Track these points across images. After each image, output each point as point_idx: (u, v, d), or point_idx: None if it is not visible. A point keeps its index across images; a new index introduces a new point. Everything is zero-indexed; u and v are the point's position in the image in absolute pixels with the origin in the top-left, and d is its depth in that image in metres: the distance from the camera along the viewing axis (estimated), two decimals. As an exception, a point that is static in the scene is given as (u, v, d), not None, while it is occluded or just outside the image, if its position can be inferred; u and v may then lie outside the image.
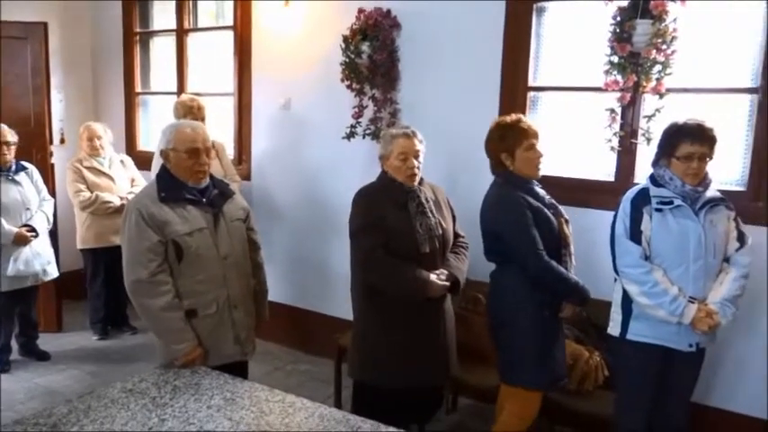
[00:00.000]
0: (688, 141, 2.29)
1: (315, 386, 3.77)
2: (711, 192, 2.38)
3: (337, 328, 3.59)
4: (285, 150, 4.30)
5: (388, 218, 2.55)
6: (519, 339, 2.51)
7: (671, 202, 2.32)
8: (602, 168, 3.25)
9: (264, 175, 4.43)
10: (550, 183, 2.86)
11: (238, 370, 2.41)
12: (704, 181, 2.35)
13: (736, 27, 2.93)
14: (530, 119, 3.35)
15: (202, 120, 3.88)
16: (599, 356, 2.88)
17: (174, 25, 4.84)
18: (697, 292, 2.32)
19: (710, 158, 2.32)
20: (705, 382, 2.92)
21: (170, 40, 4.91)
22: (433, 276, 2.56)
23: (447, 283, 2.60)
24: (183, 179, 2.37)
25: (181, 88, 4.80)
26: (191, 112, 3.91)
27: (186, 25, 4.81)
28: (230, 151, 4.50)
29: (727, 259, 2.39)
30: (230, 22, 4.45)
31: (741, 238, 2.40)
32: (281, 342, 4.33)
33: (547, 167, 3.09)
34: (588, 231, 2.93)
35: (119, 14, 5.09)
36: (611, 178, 3.18)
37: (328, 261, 4.06)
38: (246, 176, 4.45)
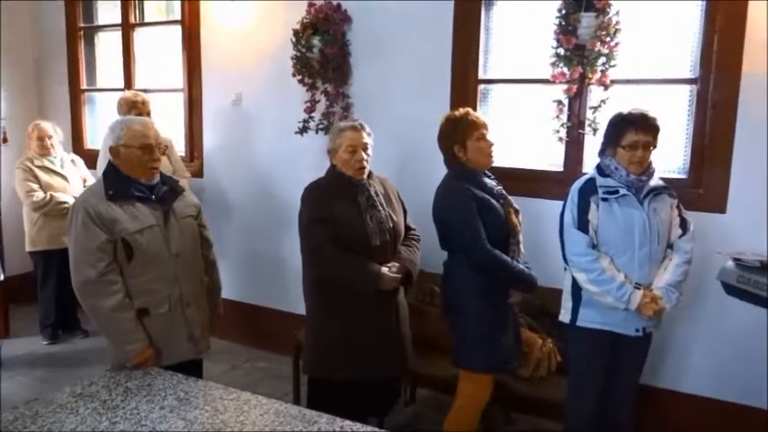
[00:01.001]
0: (633, 130, 2.35)
1: (273, 383, 3.75)
2: (655, 181, 2.45)
3: (295, 323, 3.57)
4: (237, 146, 4.25)
5: (338, 212, 2.55)
6: (468, 324, 2.56)
7: (616, 192, 2.38)
8: (551, 159, 3.32)
9: (216, 171, 4.37)
10: (501, 174, 2.91)
11: (193, 369, 2.38)
12: (648, 170, 2.41)
13: (676, 19, 3.03)
14: (481, 111, 3.45)
15: (148, 114, 3.81)
16: (552, 343, 2.95)
17: (119, 20, 4.71)
18: (642, 278, 2.39)
19: (654, 147, 2.39)
20: (653, 365, 3.03)
21: (116, 36, 4.79)
22: (384, 269, 2.57)
23: (399, 276, 2.61)
24: (135, 176, 2.32)
25: (128, 84, 4.69)
26: (135, 107, 3.83)
27: (132, 20, 4.70)
28: (181, 148, 4.43)
29: (670, 246, 2.47)
30: (179, 17, 4.37)
31: (684, 224, 2.48)
32: (238, 340, 4.29)
33: (498, 159, 3.15)
34: (539, 221, 2.99)
35: (61, 10, 4.94)
36: (560, 168, 3.25)
37: (284, 256, 4.04)
38: (198, 173, 4.39)
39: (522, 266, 2.57)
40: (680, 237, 2.46)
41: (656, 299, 2.35)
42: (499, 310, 2.57)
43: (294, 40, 3.69)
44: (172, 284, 2.34)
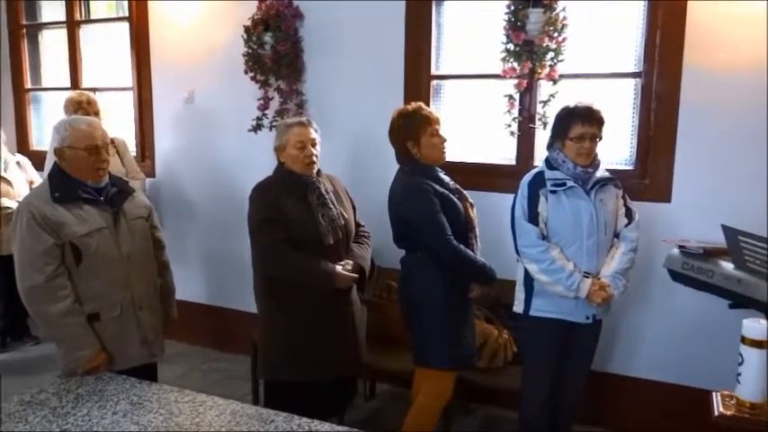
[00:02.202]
0: (579, 123, 2.42)
1: (233, 384, 3.72)
2: (601, 172, 2.52)
3: (253, 323, 3.53)
4: (191, 145, 4.18)
5: (289, 211, 2.52)
6: (430, 322, 2.56)
7: (564, 184, 2.44)
8: (504, 153, 3.37)
9: (170, 170, 4.29)
10: (455, 168, 2.95)
11: (147, 373, 2.34)
12: (594, 162, 2.48)
13: (620, 15, 3.11)
14: (434, 107, 3.47)
15: (95, 114, 3.71)
16: (507, 334, 3.01)
17: (64, 17, 4.58)
18: (591, 267, 2.45)
19: (600, 139, 2.46)
20: (604, 351, 3.12)
21: (61, 33, 4.65)
22: (338, 267, 2.55)
23: (354, 275, 2.60)
24: (82, 177, 2.25)
25: (75, 83, 4.57)
26: (81, 107, 3.72)
27: (78, 17, 4.57)
28: (132, 147, 4.33)
29: (617, 235, 2.54)
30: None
31: (629, 214, 2.55)
32: (196, 342, 4.24)
33: (452, 153, 3.18)
34: (492, 214, 3.03)
35: (2, 6, 4.77)
36: (513, 162, 3.31)
37: (241, 256, 3.95)
38: (151, 173, 4.30)
39: (484, 260, 2.59)
40: (625, 226, 2.53)
41: (605, 286, 2.42)
42: (461, 305, 2.59)
43: (245, 36, 3.65)
44: (123, 288, 2.29)
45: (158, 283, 2.51)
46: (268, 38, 3.58)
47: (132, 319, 2.33)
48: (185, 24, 4.04)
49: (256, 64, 3.66)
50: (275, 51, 3.58)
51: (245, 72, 3.70)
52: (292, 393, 2.58)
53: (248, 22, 3.65)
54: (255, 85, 3.72)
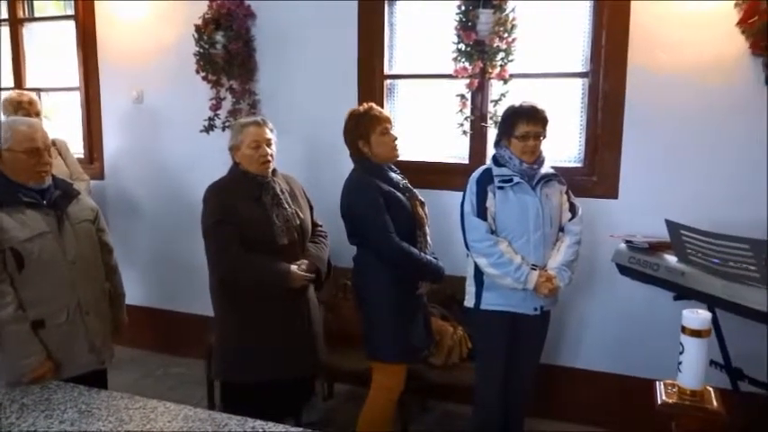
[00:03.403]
0: (524, 122, 2.48)
1: (187, 389, 3.66)
2: (546, 169, 2.59)
3: (207, 326, 3.48)
4: (141, 146, 4.10)
5: (243, 212, 2.50)
6: (378, 316, 2.60)
7: (511, 180, 2.50)
8: (457, 151, 3.41)
9: (119, 172, 4.19)
10: (409, 168, 2.96)
11: (96, 380, 2.28)
12: (539, 159, 2.55)
13: (568, 16, 3.17)
14: (388, 106, 3.49)
15: (37, 115, 3.60)
16: (462, 331, 3.04)
17: (5, 14, 4.42)
18: (538, 259, 2.52)
19: (544, 137, 2.53)
20: (554, 344, 3.19)
21: (3, 32, 4.48)
22: (293, 267, 2.55)
23: (309, 275, 2.60)
24: (22, 181, 2.18)
25: (18, 83, 4.42)
26: (21, 107, 3.59)
27: (21, 14, 4.42)
28: (80, 149, 4.22)
29: (562, 229, 2.61)
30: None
31: (573, 209, 2.63)
32: (149, 347, 4.15)
33: (406, 153, 3.20)
34: (446, 212, 3.06)
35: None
36: (466, 161, 3.34)
37: (194, 258, 3.89)
38: (99, 175, 4.20)
39: (429, 257, 2.63)
40: (569, 220, 2.61)
41: (551, 278, 2.49)
42: (408, 300, 2.62)
43: (196, 36, 3.60)
44: (69, 293, 2.23)
45: (106, 288, 2.45)
46: (219, 37, 3.54)
47: (79, 325, 2.27)
48: (134, 23, 3.95)
49: (208, 64, 3.61)
50: (227, 51, 3.54)
51: (197, 72, 3.65)
52: (250, 394, 2.57)
53: (199, 21, 3.60)
54: (207, 85, 3.66)
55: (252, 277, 2.51)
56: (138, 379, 3.81)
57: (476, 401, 2.68)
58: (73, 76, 4.24)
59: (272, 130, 2.66)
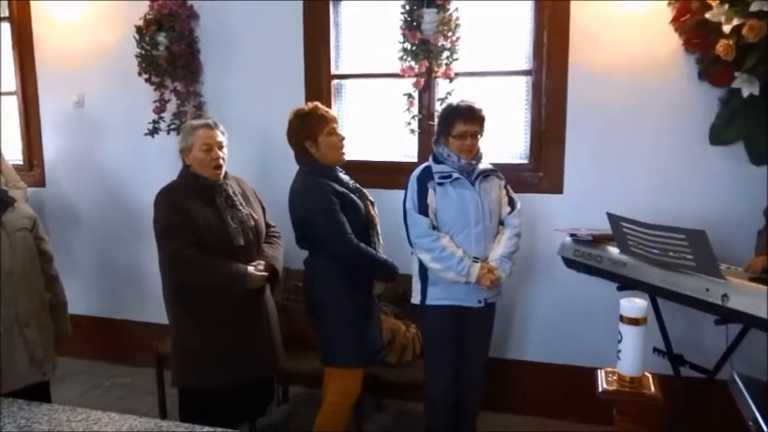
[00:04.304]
0: (461, 121, 2.53)
1: (137, 399, 3.58)
2: (484, 164, 2.64)
3: (157, 334, 3.42)
4: (83, 151, 3.98)
5: (196, 215, 2.46)
6: (334, 321, 2.57)
7: (450, 176, 2.55)
8: (406, 150, 3.43)
9: (61, 179, 4.06)
10: (357, 167, 2.97)
11: (38, 393, 2.20)
12: (477, 155, 2.60)
13: (511, 16, 3.23)
14: (335, 106, 3.49)
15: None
16: (415, 328, 3.06)
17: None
18: (479, 252, 2.57)
19: (481, 135, 2.59)
20: (501, 339, 3.25)
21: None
22: (250, 268, 2.52)
23: (266, 274, 2.58)
24: (-47, 190, 2.10)
25: (-50, 88, 4.23)
26: None
27: (-50, 16, 4.24)
28: (18, 155, 4.08)
29: (502, 222, 2.67)
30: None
31: (511, 203, 2.70)
32: (97, 358, 4.04)
33: (354, 152, 3.20)
34: (396, 211, 3.04)
35: None
36: (415, 159, 3.36)
37: (140, 265, 3.85)
38: (40, 182, 4.06)
39: (385, 257, 2.63)
40: (509, 213, 2.67)
41: (492, 270, 2.54)
42: (363, 302, 2.61)
43: (137, 37, 3.52)
44: (6, 304, 2.14)
45: (47, 298, 2.37)
46: (162, 38, 3.47)
47: (18, 338, 2.18)
48: (72, 24, 3.84)
49: (150, 65, 3.53)
50: (170, 52, 3.47)
51: (139, 74, 3.57)
52: (208, 400, 2.53)
53: (140, 22, 3.52)
54: (150, 87, 3.59)
55: (207, 280, 2.47)
56: (85, 391, 3.70)
57: (426, 397, 2.71)
58: (8, 80, 4.08)
59: (223, 133, 2.62)
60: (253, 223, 2.61)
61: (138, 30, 3.52)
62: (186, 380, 2.61)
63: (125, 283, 4.00)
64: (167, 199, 2.53)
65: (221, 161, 2.57)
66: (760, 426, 1.24)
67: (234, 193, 2.61)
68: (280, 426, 3.31)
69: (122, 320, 4.04)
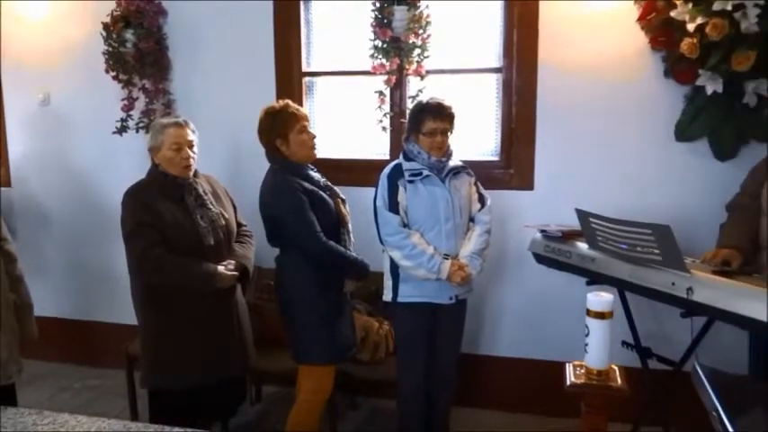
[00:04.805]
0: (430, 119, 2.53)
1: (108, 401, 3.53)
2: (454, 161, 2.66)
3: (127, 335, 3.37)
4: (49, 150, 3.90)
5: (165, 214, 2.43)
6: (305, 318, 2.57)
7: (420, 173, 2.56)
8: (378, 148, 3.43)
9: (27, 179, 3.98)
10: (329, 165, 2.97)
11: (4, 396, 2.16)
12: (447, 152, 2.61)
13: (482, 14, 3.24)
14: (307, 104, 3.48)
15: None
16: (388, 326, 3.06)
17: None
18: (450, 249, 2.58)
19: (451, 132, 2.60)
20: (473, 335, 3.27)
21: None
22: (221, 267, 2.50)
23: (236, 273, 2.56)
24: None
25: None
26: None
27: None
28: (-19, 155, 3.99)
29: (472, 219, 2.68)
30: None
31: (481, 199, 2.71)
32: (66, 360, 3.97)
33: (326, 150, 3.20)
34: (368, 209, 3.05)
35: None
36: (387, 157, 3.37)
37: (110, 265, 3.78)
38: (5, 182, 3.98)
39: (355, 255, 2.63)
40: (479, 210, 2.69)
41: (463, 267, 2.55)
42: (334, 300, 2.61)
43: (104, 34, 3.47)
44: (-32, 306, 2.11)
45: (11, 299, 2.33)
46: (129, 35, 3.42)
47: (-20, 340, 2.14)
48: (38, 21, 3.76)
49: (118, 63, 3.48)
50: (138, 49, 3.42)
51: (106, 71, 3.51)
52: (178, 401, 2.51)
53: (107, 19, 3.46)
54: (118, 85, 3.53)
55: (176, 280, 2.44)
56: (53, 394, 3.64)
57: (399, 394, 2.72)
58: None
59: (194, 132, 2.60)
60: (223, 222, 2.59)
61: (105, 26, 3.46)
62: (155, 381, 2.59)
63: (94, 284, 3.94)
64: (135, 198, 2.50)
65: (191, 160, 2.55)
66: (721, 416, 1.26)
67: (204, 191, 2.59)
68: (253, 425, 3.29)
69: (92, 322, 3.97)
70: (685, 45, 2.71)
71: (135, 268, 2.51)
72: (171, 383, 2.54)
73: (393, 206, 2.55)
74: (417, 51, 3.11)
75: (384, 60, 3.13)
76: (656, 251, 2.30)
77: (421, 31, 3.08)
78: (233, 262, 2.59)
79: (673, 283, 2.26)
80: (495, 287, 3.31)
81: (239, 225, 2.77)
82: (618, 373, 1.66)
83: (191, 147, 2.56)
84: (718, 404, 1.29)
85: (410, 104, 3.17)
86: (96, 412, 1.91)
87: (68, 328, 3.96)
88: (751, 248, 2.42)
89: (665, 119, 2.98)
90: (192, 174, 2.57)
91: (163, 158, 2.53)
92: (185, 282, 2.46)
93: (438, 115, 2.53)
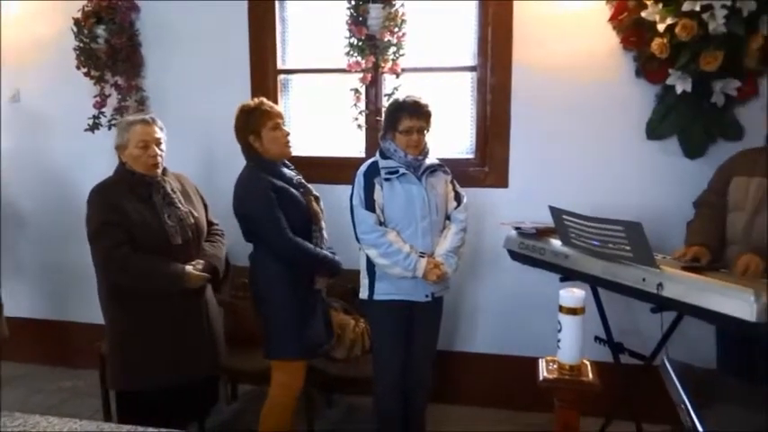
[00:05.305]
0: (407, 117, 2.54)
1: (81, 402, 3.48)
2: (430, 159, 2.67)
3: (100, 335, 3.31)
4: (20, 148, 3.83)
5: (131, 213, 2.41)
6: (276, 313, 2.57)
7: (397, 171, 2.56)
8: (355, 145, 3.43)
9: (-3, 177, 3.91)
10: (305, 163, 2.96)
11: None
12: (423, 150, 2.62)
13: (457, 12, 3.26)
14: (282, 101, 3.46)
15: None
16: (364, 323, 3.06)
17: None
18: (426, 247, 2.59)
19: (428, 131, 2.60)
20: (450, 331, 3.29)
21: None
22: (189, 267, 2.49)
23: (205, 275, 2.54)
24: None
25: None
26: None
27: None
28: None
29: (448, 217, 2.70)
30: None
31: (457, 197, 2.73)
32: (39, 361, 3.91)
33: (301, 148, 3.19)
34: (343, 207, 3.06)
35: None
36: (363, 154, 3.37)
37: (83, 265, 3.64)
38: (-25, 181, 3.90)
39: (325, 252, 2.63)
40: (455, 208, 2.70)
41: (439, 265, 2.56)
42: (305, 297, 2.61)
43: (75, 29, 3.42)
44: (-64, 308, 2.06)
45: (-20, 300, 2.29)
46: (101, 31, 3.38)
47: (-52, 342, 2.10)
48: (6, 17, 3.68)
49: (89, 59, 3.44)
50: (110, 45, 3.39)
51: (78, 68, 3.47)
52: (147, 402, 2.48)
53: (78, 15, 3.42)
54: (90, 82, 3.49)
55: (143, 280, 2.42)
56: (27, 396, 3.58)
57: (375, 392, 2.72)
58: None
59: (161, 129, 2.57)
60: (192, 221, 2.57)
61: (77, 22, 3.42)
62: (122, 381, 2.57)
63: (68, 284, 3.88)
64: (101, 196, 2.47)
65: (159, 158, 2.52)
66: (688, 409, 1.30)
67: (173, 190, 2.56)
68: (229, 424, 3.27)
69: (66, 322, 3.92)
70: (656, 45, 2.76)
71: (101, 268, 2.48)
72: (138, 384, 2.52)
73: (369, 204, 2.55)
74: (393, 49, 3.12)
75: (359, 58, 3.13)
76: (628, 248, 2.33)
77: (396, 30, 3.09)
78: (202, 262, 2.57)
79: (643, 279, 2.29)
80: (470, 284, 3.33)
81: (210, 224, 2.75)
82: (590, 367, 1.68)
83: (158, 144, 2.53)
84: (685, 397, 1.32)
85: (385, 102, 3.18)
86: (68, 413, 1.88)
87: (42, 329, 3.91)
88: (719, 245, 2.48)
89: (636, 117, 3.02)
90: (160, 172, 2.54)
91: (129, 156, 2.50)
92: (152, 282, 2.43)
93: (415, 113, 2.54)
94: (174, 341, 2.50)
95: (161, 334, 2.48)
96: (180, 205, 2.54)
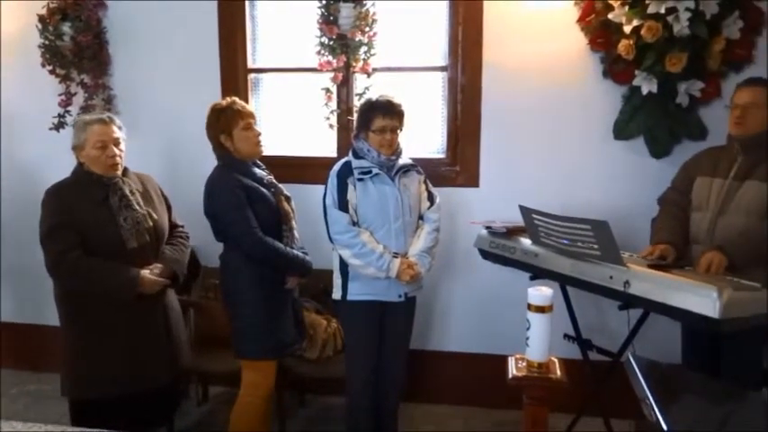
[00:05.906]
0: (380, 116, 2.54)
1: (47, 406, 3.41)
2: (403, 159, 2.68)
3: (66, 338, 3.27)
4: (-17, 147, 3.74)
5: (84, 216, 2.36)
6: (246, 313, 2.55)
7: (370, 172, 2.56)
8: (326, 145, 3.42)
9: (-41, 178, 3.81)
10: (276, 162, 2.95)
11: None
12: (396, 150, 2.63)
13: (428, 12, 3.27)
14: (253, 101, 3.44)
15: None
16: (336, 323, 3.06)
17: None
18: (399, 247, 2.60)
19: (401, 130, 2.61)
20: (422, 330, 3.31)
21: None
22: (145, 272, 2.43)
23: (162, 280, 2.49)
24: None
25: None
26: None
27: None
28: None
29: (421, 217, 2.71)
30: None
31: (431, 197, 2.74)
32: (6, 365, 3.82)
33: (273, 147, 3.17)
34: (316, 206, 3.05)
35: None
36: (334, 154, 3.36)
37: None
38: (-62, 183, 3.79)
39: (296, 252, 2.62)
40: (428, 208, 2.71)
41: (412, 265, 2.57)
42: (275, 296, 2.59)
43: (40, 26, 3.34)
44: None
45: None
46: (66, 28, 3.31)
47: None
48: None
49: (55, 57, 3.37)
50: (76, 43, 3.32)
51: (42, 65, 3.39)
52: (101, 410, 2.41)
53: (43, 11, 3.35)
54: (56, 80, 3.42)
55: (95, 285, 2.36)
56: (-11, 400, 3.50)
57: (348, 392, 2.72)
58: None
59: (120, 128, 2.51)
60: (150, 224, 2.51)
61: (41, 19, 3.35)
62: (73, 390, 2.51)
63: (32, 286, 3.77)
64: (54, 197, 2.43)
65: (118, 158, 2.47)
66: (651, 403, 1.32)
67: (131, 191, 2.50)
68: (200, 426, 3.24)
69: (30, 324, 3.83)
70: (622, 46, 2.81)
71: (51, 272, 2.42)
72: (91, 393, 2.46)
73: (342, 204, 2.54)
74: (364, 49, 3.12)
75: (331, 57, 3.13)
76: (596, 246, 2.37)
77: (367, 29, 3.09)
78: (159, 266, 2.51)
79: (611, 277, 2.33)
80: (443, 283, 3.35)
81: (175, 226, 2.71)
82: (557, 365, 1.71)
83: (117, 144, 2.47)
84: (648, 392, 1.34)
85: (357, 102, 3.18)
86: (32, 418, 1.84)
87: (9, 332, 3.83)
88: (683, 243, 2.53)
89: (604, 118, 3.07)
90: (119, 172, 2.49)
91: (87, 157, 2.44)
92: (104, 287, 2.37)
93: (388, 113, 2.54)
94: (129, 348, 2.44)
95: (114, 341, 2.43)
96: (137, 207, 2.47)
